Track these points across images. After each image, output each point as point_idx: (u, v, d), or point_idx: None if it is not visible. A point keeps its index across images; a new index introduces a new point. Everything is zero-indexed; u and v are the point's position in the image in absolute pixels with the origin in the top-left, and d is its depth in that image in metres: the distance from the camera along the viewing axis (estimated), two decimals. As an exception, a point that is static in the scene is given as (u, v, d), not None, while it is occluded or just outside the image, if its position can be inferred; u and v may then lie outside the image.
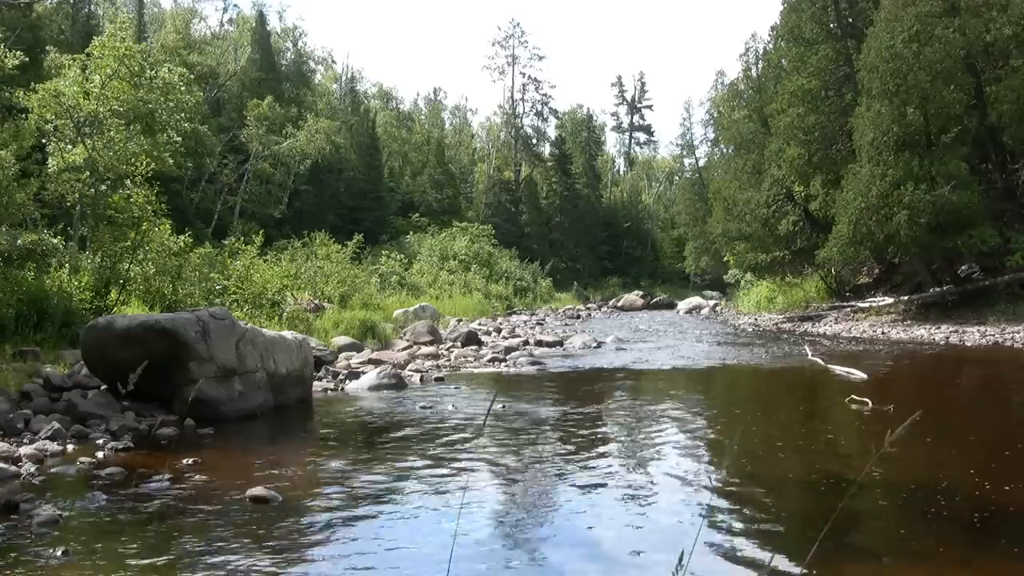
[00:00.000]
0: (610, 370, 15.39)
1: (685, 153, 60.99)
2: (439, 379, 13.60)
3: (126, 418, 8.95)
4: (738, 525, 5.93)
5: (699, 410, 11.20)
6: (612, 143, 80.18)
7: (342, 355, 15.30)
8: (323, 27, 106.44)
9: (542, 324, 28.81)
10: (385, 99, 67.85)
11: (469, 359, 16.58)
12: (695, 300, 43.79)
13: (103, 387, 9.66)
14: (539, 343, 20.28)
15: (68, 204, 16.37)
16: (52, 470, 7.05)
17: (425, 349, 17.34)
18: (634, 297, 47.44)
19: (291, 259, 23.71)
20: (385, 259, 31.80)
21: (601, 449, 8.47)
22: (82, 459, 7.28)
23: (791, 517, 6.32)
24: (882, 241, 22.08)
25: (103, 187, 15.56)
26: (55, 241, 14.32)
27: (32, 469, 6.89)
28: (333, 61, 59.16)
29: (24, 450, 7.35)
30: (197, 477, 6.89)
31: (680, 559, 2.17)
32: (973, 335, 19.63)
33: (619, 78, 74.94)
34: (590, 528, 5.89)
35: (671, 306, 45.48)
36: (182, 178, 31.56)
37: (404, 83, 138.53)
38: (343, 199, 45.31)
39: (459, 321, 23.92)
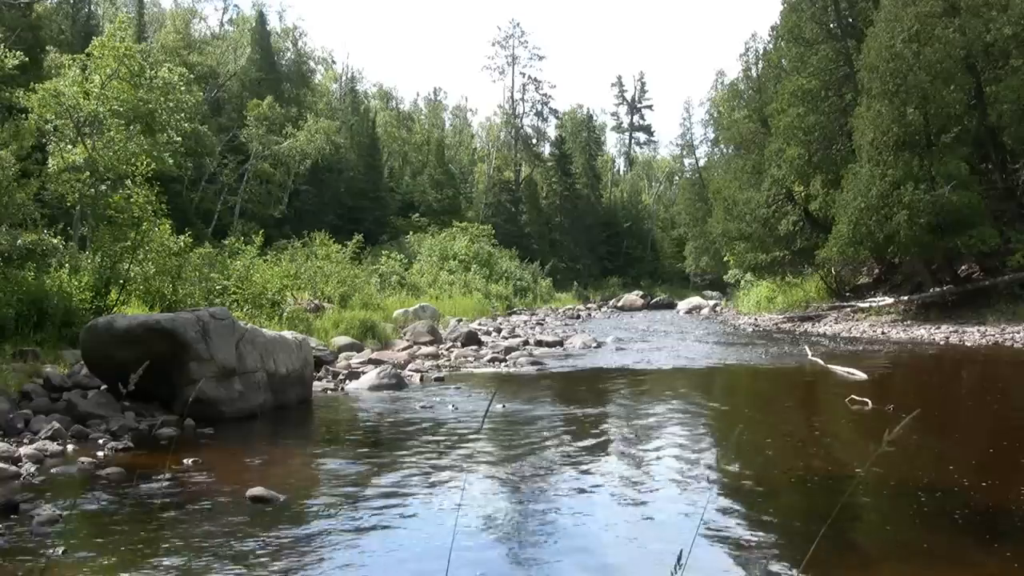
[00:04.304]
0: (610, 370, 15.39)
1: (685, 153, 61.04)
2: (439, 379, 13.60)
3: (126, 418, 8.95)
4: (737, 524, 5.93)
5: (699, 410, 11.20)
6: (612, 143, 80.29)
7: (342, 355, 15.30)
8: (323, 27, 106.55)
9: (542, 324, 28.81)
10: (385, 99, 67.83)
11: (469, 359, 16.58)
12: (695, 300, 43.76)
13: (103, 387, 9.66)
14: (539, 343, 20.28)
15: (68, 204, 16.39)
16: (52, 470, 7.05)
17: (425, 349, 17.34)
18: (634, 297, 47.42)
19: (291, 259, 23.68)
20: (385, 259, 31.78)
21: (600, 449, 8.47)
22: (82, 459, 7.28)
23: (790, 516, 6.33)
24: (882, 241, 22.08)
25: (103, 187, 15.59)
26: (55, 241, 14.31)
27: (32, 469, 6.89)
28: (333, 61, 59.19)
29: (24, 450, 7.35)
30: (197, 477, 6.89)
31: (679, 558, 2.18)
32: (973, 335, 19.63)
33: (619, 78, 75.02)
34: (589, 527, 5.89)
35: (671, 306, 45.46)
36: (182, 178, 31.56)
37: (404, 83, 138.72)
38: (343, 199, 45.30)
39: (459, 321, 23.91)
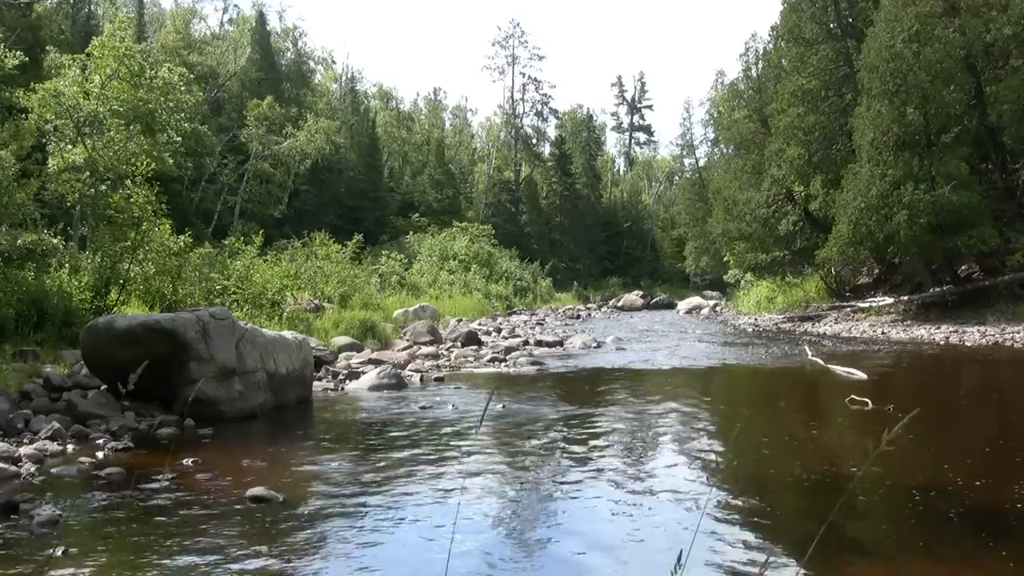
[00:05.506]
0: (610, 370, 15.39)
1: (685, 153, 61.01)
2: (439, 379, 13.60)
3: (126, 418, 8.96)
4: (737, 524, 5.93)
5: (699, 410, 11.20)
6: (612, 143, 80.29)
7: (342, 355, 15.30)
8: (323, 27, 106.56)
9: (542, 324, 28.81)
10: (385, 99, 67.83)
11: (469, 359, 16.59)
12: (695, 300, 43.76)
13: (103, 387, 9.66)
14: (539, 343, 20.28)
15: (68, 204, 16.39)
16: (52, 470, 7.04)
17: (425, 349, 17.34)
18: (634, 297, 47.42)
19: (291, 259, 23.69)
20: (385, 259, 31.78)
21: (600, 449, 8.47)
22: (82, 459, 7.28)
23: (790, 516, 6.33)
24: (882, 241, 22.08)
25: (103, 187, 15.59)
26: (55, 241, 14.32)
27: (32, 469, 6.89)
28: (333, 61, 59.19)
29: (24, 450, 7.35)
30: (197, 477, 6.89)
31: (679, 558, 2.18)
32: (973, 335, 19.63)
33: (619, 78, 75.00)
34: (588, 527, 5.89)
35: (671, 306, 45.46)
36: (182, 178, 31.56)
37: (404, 83, 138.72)
38: (343, 199, 45.31)
39: (459, 321, 23.92)
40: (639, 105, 74.41)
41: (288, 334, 11.79)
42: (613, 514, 6.14)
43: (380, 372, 12.68)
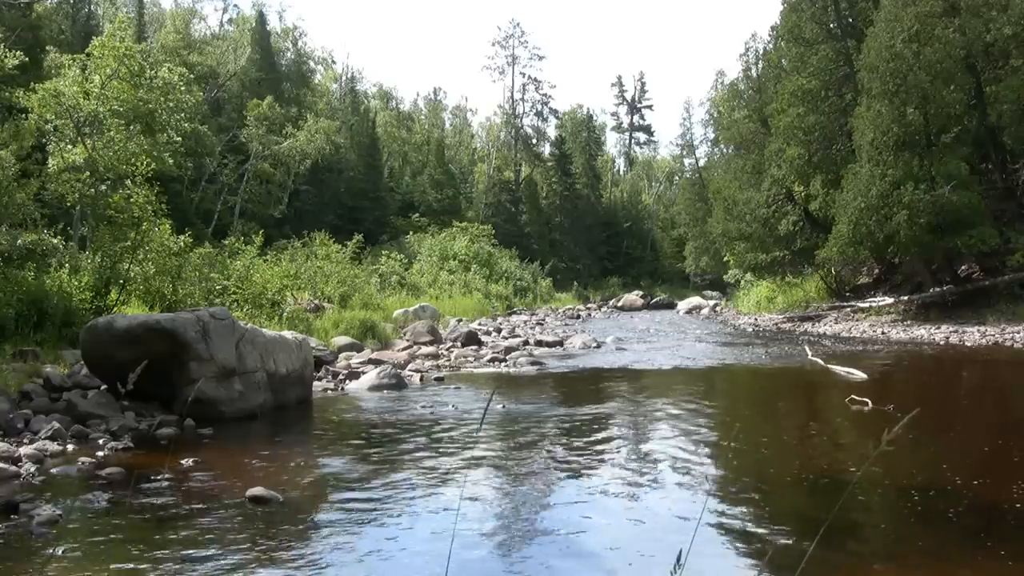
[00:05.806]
0: (610, 370, 15.39)
1: (685, 153, 61.05)
2: (439, 379, 13.60)
3: (126, 418, 8.95)
4: (737, 524, 5.93)
5: (699, 410, 11.20)
6: (612, 143, 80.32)
7: (342, 355, 15.29)
8: (323, 27, 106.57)
9: (542, 324, 28.80)
10: (385, 99, 67.83)
11: (469, 359, 16.58)
12: (695, 300, 43.76)
13: (103, 387, 9.66)
14: (539, 343, 20.27)
15: (68, 204, 16.39)
16: (52, 470, 7.04)
17: (425, 349, 17.34)
18: (634, 297, 47.41)
19: (291, 259, 23.69)
20: (385, 259, 31.78)
21: (600, 449, 8.47)
22: (82, 459, 7.28)
23: (790, 516, 6.33)
24: (882, 241, 22.08)
25: (103, 187, 15.59)
26: (55, 241, 14.32)
27: (32, 469, 6.89)
28: (333, 61, 59.20)
29: (24, 450, 7.35)
30: (197, 477, 6.89)
31: (678, 558, 2.18)
32: (973, 335, 19.62)
33: (619, 78, 75.01)
34: (589, 527, 5.89)
35: (671, 306, 45.45)
36: (182, 178, 31.56)
37: (404, 83, 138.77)
38: (343, 199, 45.31)
39: (459, 321, 23.91)
40: (639, 105, 74.44)
41: (288, 334, 11.79)
42: (613, 514, 6.14)
43: (380, 372, 12.67)
